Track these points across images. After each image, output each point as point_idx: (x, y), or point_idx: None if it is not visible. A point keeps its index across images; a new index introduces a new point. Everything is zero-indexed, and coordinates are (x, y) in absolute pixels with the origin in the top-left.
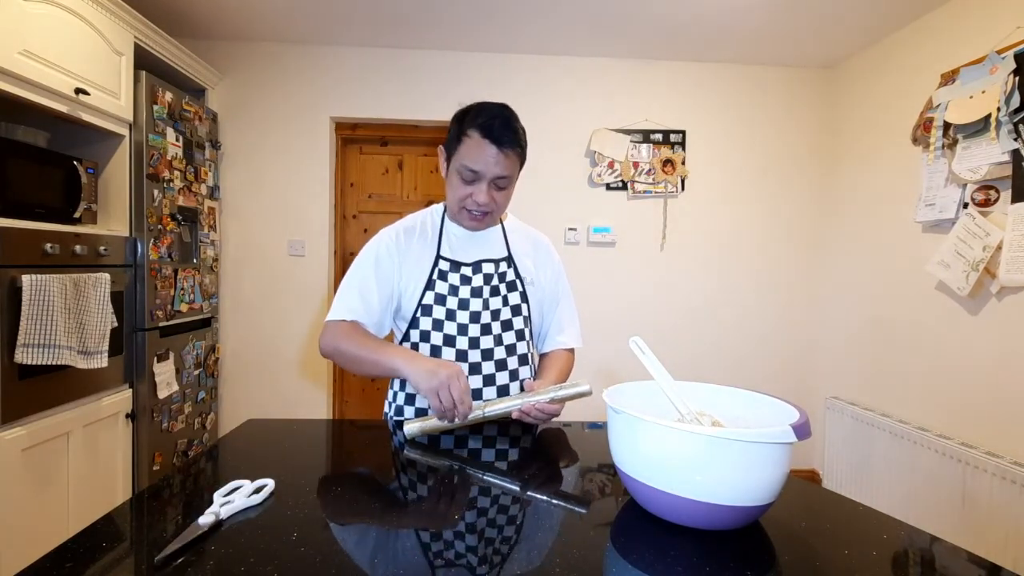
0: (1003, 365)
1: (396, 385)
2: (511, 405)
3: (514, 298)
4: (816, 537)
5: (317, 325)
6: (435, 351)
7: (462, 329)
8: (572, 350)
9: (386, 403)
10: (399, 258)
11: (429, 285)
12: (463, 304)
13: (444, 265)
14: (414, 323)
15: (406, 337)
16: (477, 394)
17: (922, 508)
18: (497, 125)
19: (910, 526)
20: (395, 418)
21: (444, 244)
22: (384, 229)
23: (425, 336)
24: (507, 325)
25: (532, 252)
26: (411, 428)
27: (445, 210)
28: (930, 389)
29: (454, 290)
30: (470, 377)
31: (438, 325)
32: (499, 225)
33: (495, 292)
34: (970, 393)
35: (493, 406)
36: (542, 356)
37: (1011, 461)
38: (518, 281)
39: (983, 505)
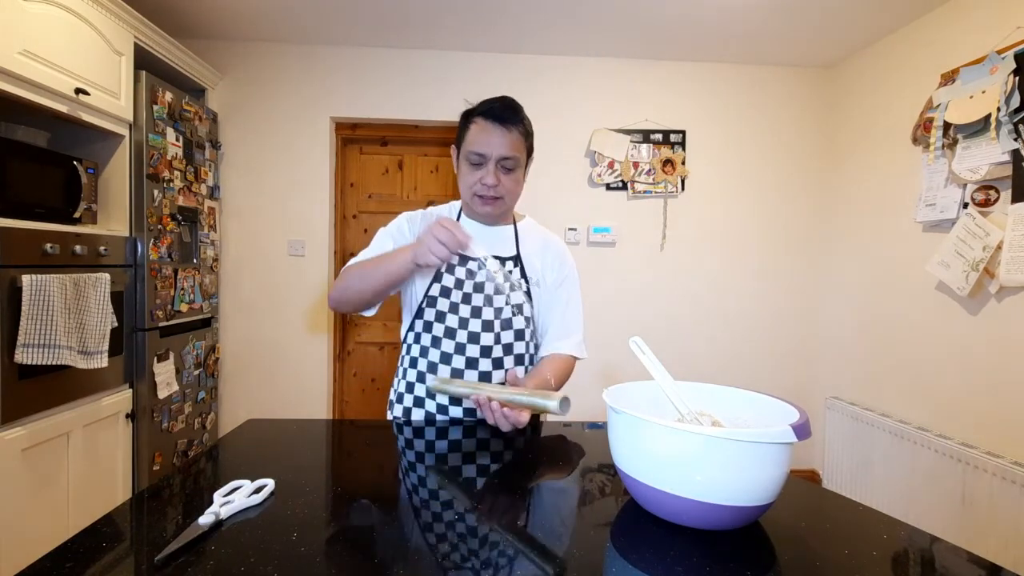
0: (1003, 365)
1: (400, 372)
2: (476, 391)
3: (516, 297)
4: (816, 537)
5: (317, 325)
6: (435, 342)
7: (463, 323)
8: (574, 358)
9: (388, 400)
10: (413, 239)
11: (437, 277)
12: (466, 298)
13: (453, 259)
14: (419, 313)
15: (411, 327)
16: None
17: (922, 508)
18: (499, 107)
19: (910, 526)
20: (397, 405)
21: None
22: (404, 213)
23: (428, 327)
24: (507, 324)
25: (541, 252)
26: (432, 383)
27: (461, 209)
28: (930, 389)
29: (459, 284)
30: (466, 371)
31: (440, 317)
32: (512, 226)
33: (499, 290)
34: (970, 393)
35: (459, 387)
36: (542, 359)
37: (1011, 461)
38: (523, 281)
39: (983, 505)
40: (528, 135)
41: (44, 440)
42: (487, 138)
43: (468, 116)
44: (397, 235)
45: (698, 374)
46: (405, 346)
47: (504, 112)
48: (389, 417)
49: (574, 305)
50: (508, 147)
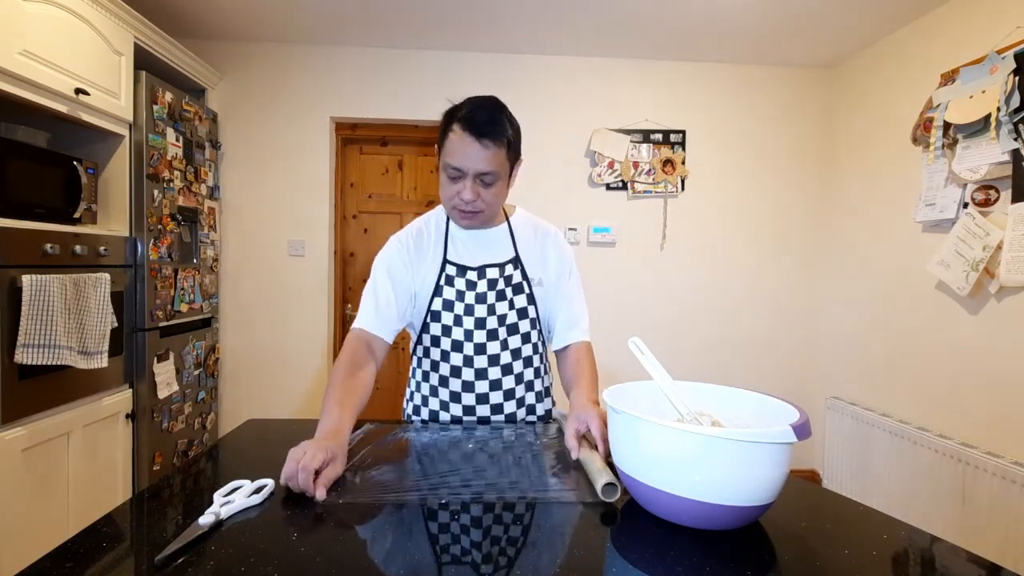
0: (1003, 365)
1: (413, 385)
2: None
3: (520, 301)
4: (816, 537)
5: (317, 325)
6: (444, 356)
7: (468, 335)
8: (590, 345)
9: (404, 412)
10: (412, 264)
11: (437, 291)
12: (468, 310)
13: (451, 270)
14: (425, 328)
15: (419, 341)
16: (483, 398)
17: (922, 508)
18: (478, 118)
19: (910, 526)
20: (413, 416)
21: (450, 248)
22: (393, 236)
23: (435, 341)
24: (513, 329)
25: (540, 248)
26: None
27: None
28: (930, 389)
29: (460, 295)
30: (476, 382)
31: (446, 331)
32: (506, 224)
33: (501, 296)
34: (970, 393)
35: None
36: (561, 354)
37: (1011, 461)
38: (525, 283)
39: (983, 505)
40: (511, 144)
41: (44, 440)
42: (464, 152)
43: (449, 119)
44: (399, 268)
45: (698, 374)
46: (415, 359)
47: (484, 126)
48: None
49: (578, 293)
50: (486, 163)
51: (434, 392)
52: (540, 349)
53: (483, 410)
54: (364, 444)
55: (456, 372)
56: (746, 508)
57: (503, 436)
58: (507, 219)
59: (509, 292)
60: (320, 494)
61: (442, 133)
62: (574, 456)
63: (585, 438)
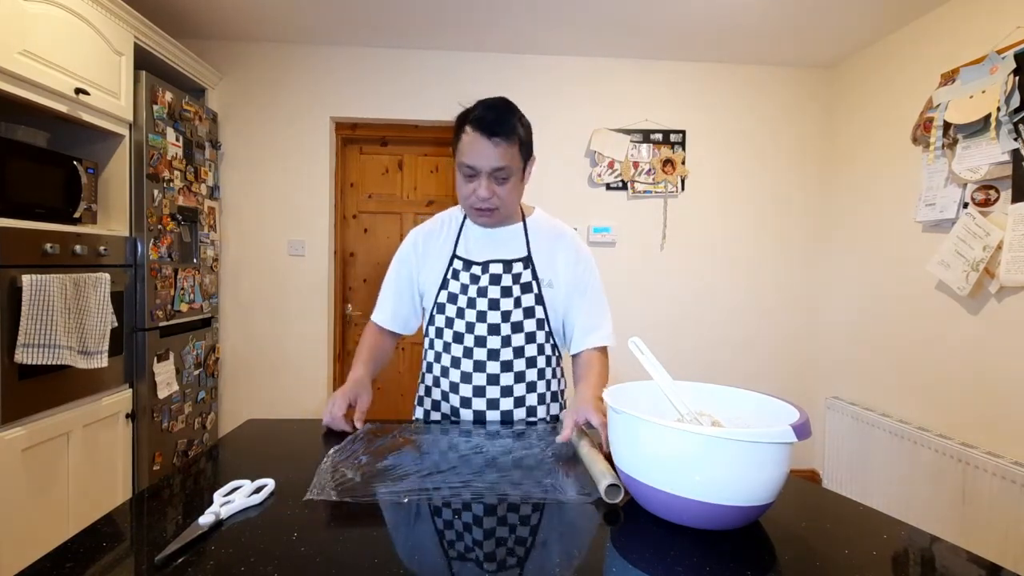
0: (1003, 365)
1: (421, 374)
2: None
3: (527, 300)
4: (816, 537)
5: (317, 325)
6: (446, 347)
7: (470, 327)
8: (605, 349)
9: (416, 396)
10: (418, 264)
11: (443, 284)
12: (471, 303)
13: (458, 264)
14: (431, 320)
15: (427, 332)
16: (480, 391)
17: (922, 508)
18: (490, 117)
19: (910, 526)
20: (419, 407)
21: (461, 243)
22: (412, 231)
23: (439, 333)
24: (517, 327)
25: (553, 250)
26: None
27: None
28: (930, 389)
29: (464, 288)
30: (474, 374)
31: (449, 323)
32: (521, 223)
33: (507, 293)
34: (970, 393)
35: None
36: (576, 358)
37: (1011, 461)
38: (534, 283)
39: (983, 505)
40: (523, 141)
41: (44, 440)
42: (477, 150)
43: (461, 122)
44: (404, 268)
45: (698, 374)
46: (424, 350)
47: (494, 124)
48: (414, 416)
49: (596, 297)
50: (499, 159)
51: (436, 382)
52: (548, 351)
53: (479, 403)
54: (365, 444)
55: (456, 363)
56: (746, 508)
57: (506, 437)
58: (523, 219)
59: (516, 290)
60: (359, 425)
61: (455, 135)
62: (559, 440)
63: (587, 435)
